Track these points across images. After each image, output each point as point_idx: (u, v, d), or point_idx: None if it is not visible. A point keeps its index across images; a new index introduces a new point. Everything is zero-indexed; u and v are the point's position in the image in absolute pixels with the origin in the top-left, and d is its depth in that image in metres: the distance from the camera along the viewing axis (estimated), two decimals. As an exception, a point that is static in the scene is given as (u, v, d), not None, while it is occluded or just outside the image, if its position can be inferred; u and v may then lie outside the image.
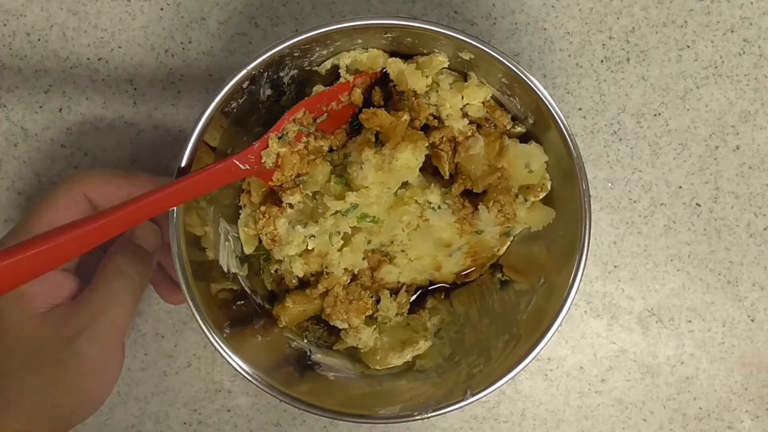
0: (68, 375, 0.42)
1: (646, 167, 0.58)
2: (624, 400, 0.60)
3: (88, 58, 0.57)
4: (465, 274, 0.55)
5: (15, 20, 0.56)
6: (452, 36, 0.45)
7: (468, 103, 0.51)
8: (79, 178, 0.44)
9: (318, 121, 0.50)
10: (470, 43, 0.45)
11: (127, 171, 0.46)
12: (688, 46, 0.58)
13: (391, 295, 0.54)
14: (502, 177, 0.51)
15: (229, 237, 0.52)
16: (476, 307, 0.54)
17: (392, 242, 0.53)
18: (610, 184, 0.58)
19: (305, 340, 0.54)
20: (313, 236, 0.51)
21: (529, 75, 0.45)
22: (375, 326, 0.53)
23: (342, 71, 0.50)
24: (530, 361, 0.46)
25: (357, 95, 0.51)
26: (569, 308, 0.46)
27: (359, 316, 0.52)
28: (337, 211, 0.51)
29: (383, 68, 0.50)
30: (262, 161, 0.49)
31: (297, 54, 0.47)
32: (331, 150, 0.52)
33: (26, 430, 0.40)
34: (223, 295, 0.51)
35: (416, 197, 0.51)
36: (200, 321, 0.46)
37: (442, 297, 0.56)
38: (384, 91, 0.52)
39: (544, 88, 0.45)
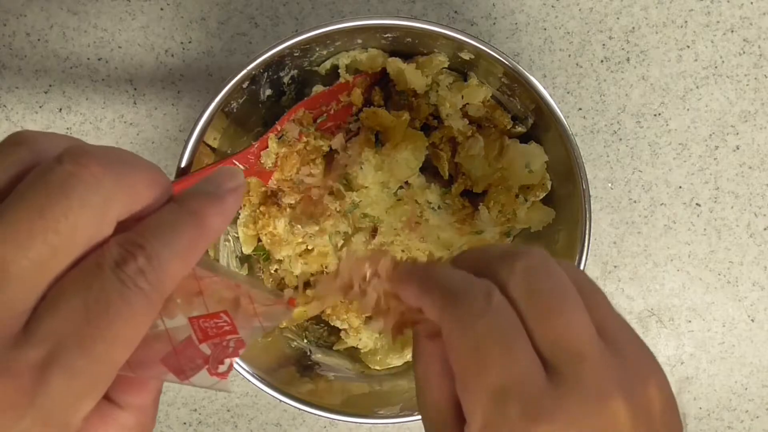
0: None
1: (646, 167, 0.58)
2: (624, 400, 0.60)
3: (88, 58, 0.57)
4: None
5: (15, 20, 0.56)
6: (452, 36, 0.45)
7: (468, 103, 0.51)
8: (116, 186, 0.21)
9: (318, 121, 0.50)
10: (470, 43, 0.45)
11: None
12: (688, 46, 0.58)
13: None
14: (502, 177, 0.51)
15: (229, 237, 0.52)
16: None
17: (392, 242, 0.53)
18: (610, 184, 0.58)
19: (305, 341, 0.54)
20: (313, 236, 0.51)
21: (529, 75, 0.45)
22: (375, 326, 0.54)
23: (342, 71, 0.50)
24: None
25: (357, 95, 0.51)
26: (569, 308, 0.46)
27: (359, 317, 0.52)
28: (337, 211, 0.51)
29: (383, 68, 0.51)
30: (262, 161, 0.49)
31: (297, 54, 0.47)
32: (330, 150, 0.52)
33: None
34: (223, 295, 0.51)
35: (416, 197, 0.51)
36: (200, 321, 0.46)
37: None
38: (384, 91, 0.52)
39: (544, 88, 0.45)
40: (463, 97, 0.51)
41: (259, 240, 0.52)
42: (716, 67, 0.58)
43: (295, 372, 0.51)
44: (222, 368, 0.24)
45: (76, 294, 0.20)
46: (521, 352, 0.24)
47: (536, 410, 0.23)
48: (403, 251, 0.53)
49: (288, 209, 0.51)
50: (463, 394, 0.24)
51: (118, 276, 0.20)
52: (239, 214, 0.53)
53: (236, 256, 0.53)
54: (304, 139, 0.49)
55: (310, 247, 0.51)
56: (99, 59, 0.57)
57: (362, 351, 0.54)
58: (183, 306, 0.24)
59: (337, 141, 0.51)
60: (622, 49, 0.57)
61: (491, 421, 0.23)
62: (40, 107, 0.57)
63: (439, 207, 0.51)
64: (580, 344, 0.24)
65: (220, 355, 0.24)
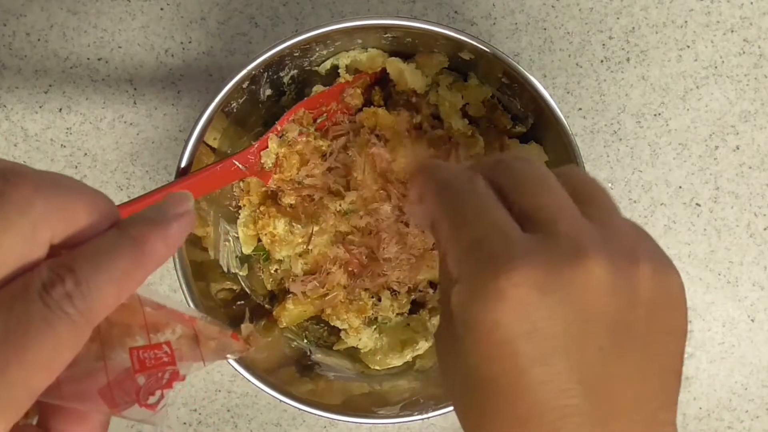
0: None
1: (646, 167, 0.58)
2: (624, 400, 0.60)
3: (88, 58, 0.57)
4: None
5: (15, 20, 0.56)
6: (452, 36, 0.45)
7: (468, 103, 0.51)
8: (48, 207, 0.21)
9: (318, 121, 0.50)
10: (470, 43, 0.45)
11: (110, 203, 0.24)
12: (688, 46, 0.58)
13: (391, 295, 0.54)
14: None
15: (229, 237, 0.52)
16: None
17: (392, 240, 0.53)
18: (610, 184, 0.58)
19: (305, 341, 0.54)
20: (313, 236, 0.51)
21: (529, 75, 0.45)
22: (375, 326, 0.53)
23: (342, 71, 0.50)
24: (530, 361, 0.46)
25: (357, 95, 0.51)
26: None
27: (359, 317, 0.52)
28: (337, 211, 0.51)
29: (383, 68, 0.51)
30: (262, 161, 0.49)
31: (297, 54, 0.47)
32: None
33: None
34: (223, 294, 0.51)
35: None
36: (200, 321, 0.46)
37: (442, 297, 0.56)
38: (384, 91, 0.52)
39: (544, 88, 0.45)
40: (463, 97, 0.51)
41: (259, 240, 0.52)
42: (716, 67, 0.58)
43: (295, 372, 0.51)
44: (152, 399, 0.23)
45: None
46: (495, 210, 0.24)
47: (507, 256, 0.22)
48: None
49: (288, 209, 0.51)
50: (445, 257, 0.25)
51: (43, 299, 0.20)
52: (239, 213, 0.53)
53: (236, 256, 0.53)
54: (304, 139, 0.49)
55: (310, 247, 0.51)
56: (99, 59, 0.57)
57: (362, 351, 0.54)
58: (125, 336, 0.23)
59: (337, 142, 0.51)
60: (622, 49, 0.57)
61: (465, 271, 0.23)
62: (40, 107, 0.57)
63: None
64: (558, 210, 0.24)
65: (152, 386, 0.23)
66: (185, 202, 0.24)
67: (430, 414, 0.46)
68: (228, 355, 0.26)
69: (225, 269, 0.51)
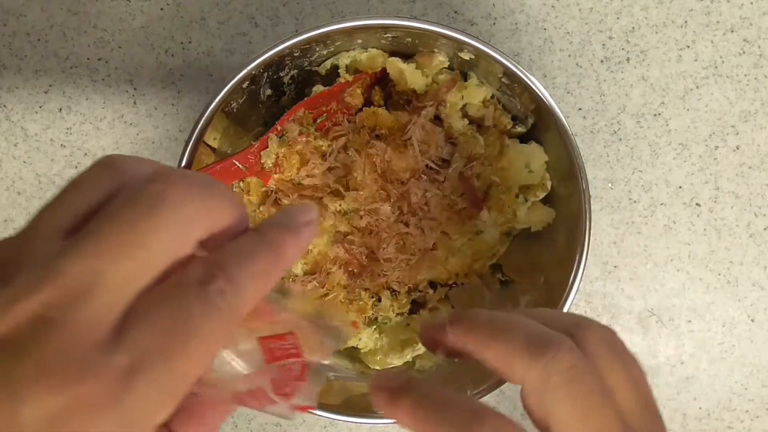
0: None
1: (646, 167, 0.58)
2: (624, 400, 0.60)
3: (88, 58, 0.57)
4: (465, 274, 0.55)
5: (15, 20, 0.56)
6: (452, 36, 0.45)
7: (468, 103, 0.51)
8: (200, 208, 0.22)
9: (318, 121, 0.50)
10: (470, 43, 0.45)
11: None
12: (688, 46, 0.58)
13: (391, 295, 0.54)
14: (502, 177, 0.51)
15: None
16: (476, 307, 0.54)
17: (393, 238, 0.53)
18: (610, 184, 0.58)
19: (305, 340, 0.54)
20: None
21: (529, 75, 0.45)
22: (375, 326, 0.53)
23: (342, 71, 0.50)
24: (530, 361, 0.46)
25: (357, 95, 0.51)
26: (569, 308, 0.46)
27: (359, 317, 0.52)
28: (337, 211, 0.51)
29: (383, 68, 0.51)
30: (262, 161, 0.49)
31: (297, 54, 0.47)
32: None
33: None
34: (223, 295, 0.51)
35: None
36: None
37: (443, 297, 0.56)
38: (384, 91, 0.52)
39: (544, 88, 0.45)
40: (463, 97, 0.51)
41: (259, 240, 0.52)
42: (716, 67, 0.58)
43: (295, 372, 0.51)
44: (287, 389, 0.24)
45: (160, 309, 0.21)
46: (611, 412, 0.25)
47: None
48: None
49: (288, 209, 0.51)
50: None
51: (199, 295, 0.21)
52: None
53: (236, 256, 0.52)
54: (304, 139, 0.49)
55: (310, 247, 0.51)
56: (99, 59, 0.57)
57: (362, 351, 0.54)
58: (251, 331, 0.24)
59: (337, 142, 0.51)
60: (622, 49, 0.57)
61: None
62: (40, 107, 0.57)
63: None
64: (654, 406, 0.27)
65: (286, 377, 0.24)
66: (312, 210, 0.26)
67: (430, 414, 0.46)
68: (336, 346, 0.26)
69: (225, 269, 0.51)
